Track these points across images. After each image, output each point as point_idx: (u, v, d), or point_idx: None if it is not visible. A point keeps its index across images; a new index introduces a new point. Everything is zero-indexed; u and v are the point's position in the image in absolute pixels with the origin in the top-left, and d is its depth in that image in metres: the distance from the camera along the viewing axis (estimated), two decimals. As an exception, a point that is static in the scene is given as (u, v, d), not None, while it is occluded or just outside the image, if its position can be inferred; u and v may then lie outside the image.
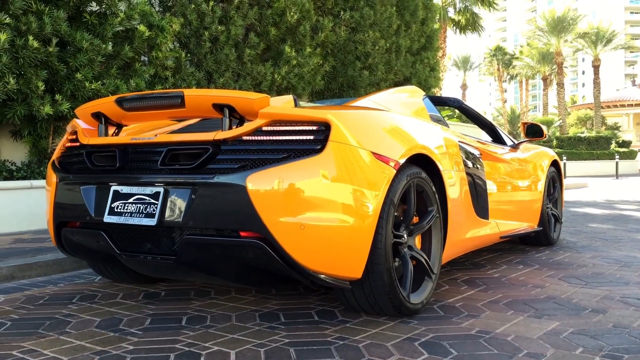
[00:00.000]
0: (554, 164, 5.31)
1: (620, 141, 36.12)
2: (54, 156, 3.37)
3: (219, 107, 2.71)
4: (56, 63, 6.26)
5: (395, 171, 2.76)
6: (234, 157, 2.63)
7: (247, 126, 2.65)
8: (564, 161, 23.47)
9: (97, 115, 3.07)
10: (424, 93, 4.03)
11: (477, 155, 3.86)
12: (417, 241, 3.12)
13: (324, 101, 4.76)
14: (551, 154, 5.30)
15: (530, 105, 78.36)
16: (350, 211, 2.58)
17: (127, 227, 2.83)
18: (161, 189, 2.73)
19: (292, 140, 2.60)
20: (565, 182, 17.04)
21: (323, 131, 2.61)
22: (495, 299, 3.27)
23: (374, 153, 2.69)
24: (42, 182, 6.25)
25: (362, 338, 2.58)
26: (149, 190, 2.77)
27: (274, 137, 2.61)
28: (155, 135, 2.83)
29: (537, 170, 4.87)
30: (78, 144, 3.16)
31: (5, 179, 6.30)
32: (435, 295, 3.35)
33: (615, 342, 2.50)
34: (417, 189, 3.00)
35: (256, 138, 2.63)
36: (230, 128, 2.70)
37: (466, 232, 3.61)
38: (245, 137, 2.64)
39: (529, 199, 4.69)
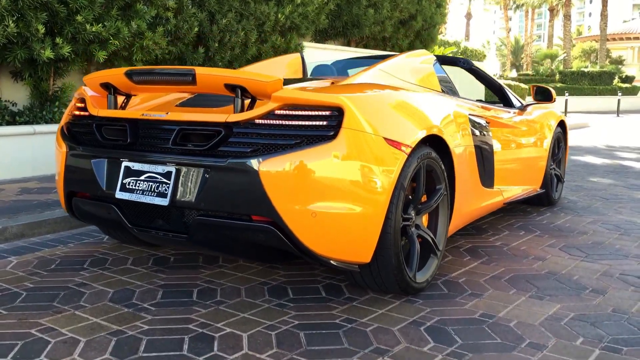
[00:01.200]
0: (561, 124, 5.30)
1: (624, 76, 35.77)
2: (62, 122, 3.36)
3: (230, 87, 2.68)
4: (56, 5, 6.11)
5: (406, 155, 2.76)
6: (246, 141, 2.62)
7: (260, 109, 2.63)
8: (566, 97, 23.29)
9: (106, 86, 3.04)
10: (435, 57, 3.98)
11: (486, 125, 3.85)
12: (424, 219, 3.16)
13: (337, 62, 4.69)
14: (558, 114, 5.27)
15: (534, 35, 76.97)
16: (361, 199, 2.61)
17: (139, 204, 2.85)
18: (173, 169, 2.74)
19: (305, 125, 2.59)
20: (567, 122, 17.00)
21: (336, 116, 2.60)
22: (497, 274, 3.34)
23: (386, 139, 2.68)
24: (45, 128, 6.22)
25: (369, 321, 2.66)
26: (161, 169, 2.78)
27: (286, 122, 2.60)
28: (167, 113, 2.81)
29: (543, 133, 4.86)
30: (87, 113, 3.14)
31: (8, 123, 6.27)
32: (439, 267, 3.42)
33: (615, 332, 2.58)
34: (426, 168, 3.02)
35: (268, 122, 2.62)
36: (242, 109, 2.68)
37: (472, 203, 3.65)
38: (257, 121, 2.63)
39: (533, 163, 4.71)
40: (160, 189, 2.77)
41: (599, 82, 32.24)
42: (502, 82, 4.77)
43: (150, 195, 2.78)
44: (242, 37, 8.35)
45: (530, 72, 38.84)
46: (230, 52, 8.29)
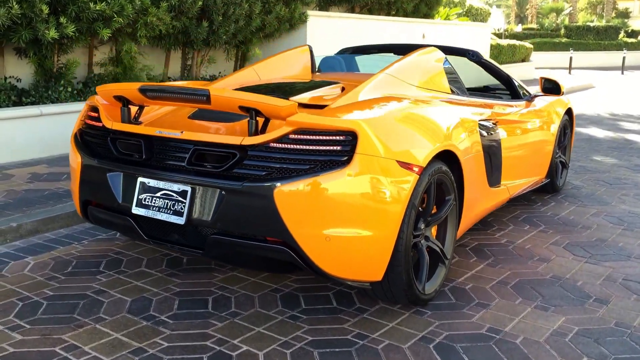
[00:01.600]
0: (568, 111, 5.31)
1: (630, 31, 35.32)
2: (76, 128, 3.39)
3: (244, 109, 2.71)
4: (59, -16, 6.04)
5: (418, 176, 2.80)
6: (260, 164, 2.67)
7: (275, 133, 2.67)
8: (571, 53, 23.09)
9: (119, 97, 3.06)
10: (444, 56, 3.97)
11: (494, 126, 3.87)
12: (433, 230, 3.23)
13: (344, 55, 4.66)
14: (566, 101, 5.28)
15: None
16: (374, 223, 2.67)
17: (155, 220, 2.92)
18: (188, 188, 2.79)
19: (319, 150, 2.63)
20: (571, 82, 16.89)
21: (350, 141, 2.63)
22: (503, 279, 3.43)
23: (399, 162, 2.72)
24: (51, 109, 6.23)
25: (379, 336, 2.76)
26: (176, 187, 2.83)
27: (301, 146, 2.64)
28: (182, 132, 2.85)
29: (550, 123, 4.88)
30: (100, 124, 3.17)
31: (14, 103, 6.28)
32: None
33: (617, 350, 2.68)
34: (437, 182, 3.06)
35: (283, 146, 2.65)
36: (256, 130, 2.72)
37: (479, 206, 3.71)
38: (272, 144, 2.67)
39: (540, 155, 4.75)
40: (176, 207, 2.82)
41: (605, 37, 31.89)
42: (509, 72, 4.73)
43: (167, 213, 2.85)
44: (246, 9, 8.25)
45: (535, 26, 38.32)
46: (235, 24, 8.21)
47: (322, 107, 3.11)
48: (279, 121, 2.73)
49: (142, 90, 2.90)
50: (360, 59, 4.70)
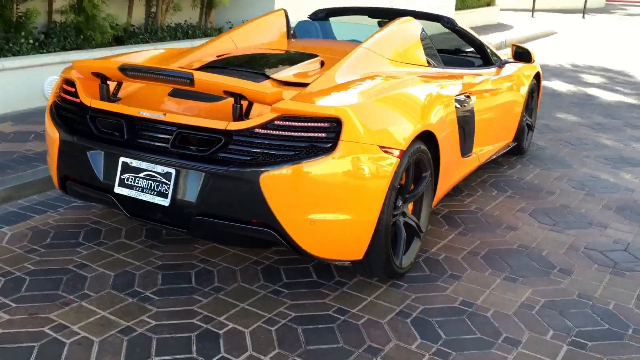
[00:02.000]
0: (536, 75, 5.41)
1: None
2: (50, 101, 3.35)
3: (229, 93, 2.72)
4: None
5: (399, 159, 2.88)
6: (245, 149, 2.70)
7: (260, 118, 2.69)
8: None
9: (97, 74, 3.03)
10: (421, 26, 3.99)
11: (468, 98, 3.95)
12: (409, 205, 3.34)
13: (318, 19, 4.63)
14: (534, 64, 5.37)
15: None
16: (356, 207, 2.75)
17: (138, 199, 2.94)
18: (172, 170, 2.82)
19: (304, 136, 2.67)
20: (534, 28, 16.98)
21: (334, 128, 2.68)
22: (474, 249, 3.59)
23: (381, 147, 2.79)
24: (13, 63, 6.04)
25: (359, 312, 2.89)
26: (160, 169, 2.85)
27: (285, 133, 2.68)
28: (165, 114, 2.84)
29: (519, 88, 4.98)
30: (78, 100, 3.14)
31: (-26, 57, 6.06)
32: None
33: (580, 322, 2.87)
34: (415, 161, 3.15)
35: (268, 132, 2.69)
36: (240, 116, 2.73)
37: (452, 177, 3.82)
38: (257, 130, 2.70)
39: (508, 120, 4.86)
40: (160, 188, 2.85)
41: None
42: (482, 39, 4.78)
43: (150, 194, 2.87)
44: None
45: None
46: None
47: (303, 85, 3.14)
48: (264, 105, 2.75)
49: (123, 70, 2.87)
50: (335, 25, 4.68)
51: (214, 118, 2.82)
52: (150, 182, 2.88)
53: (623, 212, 4.26)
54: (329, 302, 2.98)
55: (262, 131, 2.70)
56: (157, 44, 7.51)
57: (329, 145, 2.67)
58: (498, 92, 4.58)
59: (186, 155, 2.80)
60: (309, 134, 2.68)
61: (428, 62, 3.86)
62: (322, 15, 5.00)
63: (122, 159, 2.94)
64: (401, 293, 3.08)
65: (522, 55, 4.89)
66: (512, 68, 4.95)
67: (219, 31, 8.75)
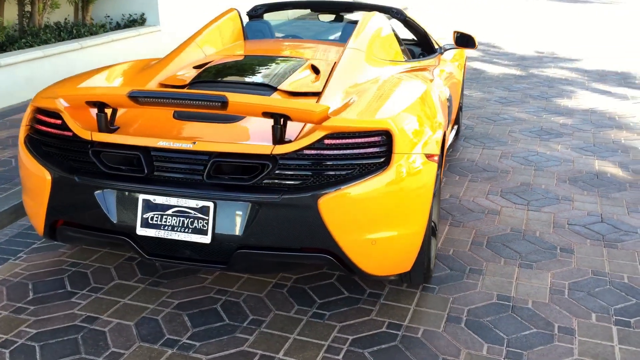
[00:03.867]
0: (465, 59, 5.59)
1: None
2: (22, 135, 2.90)
3: (269, 114, 2.50)
4: None
5: (437, 164, 2.83)
6: (294, 173, 2.52)
7: (307, 139, 2.51)
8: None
9: (94, 102, 2.65)
10: (388, 20, 3.94)
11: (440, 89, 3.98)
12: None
13: (261, 19, 4.39)
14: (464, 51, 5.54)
15: None
16: (412, 219, 2.67)
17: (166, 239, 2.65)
18: (210, 204, 2.56)
19: (355, 153, 2.54)
20: (383, 0, 17.51)
21: (385, 141, 2.57)
22: (475, 240, 3.65)
23: (426, 154, 2.72)
24: None
25: (412, 323, 2.83)
26: (194, 203, 2.57)
27: (336, 151, 2.53)
28: (194, 143, 2.56)
29: (459, 70, 5.11)
30: (70, 133, 2.73)
31: None
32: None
33: (612, 301, 3.03)
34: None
35: (318, 152, 2.52)
36: (282, 137, 2.53)
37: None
38: (305, 151, 2.52)
39: (454, 104, 4.98)
40: (196, 224, 2.58)
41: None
42: (425, 27, 4.83)
43: (184, 232, 2.59)
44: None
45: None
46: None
47: (312, 94, 2.99)
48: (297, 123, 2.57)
49: (134, 97, 2.53)
50: (283, 23, 4.48)
51: (235, 140, 2.59)
52: (182, 219, 2.59)
53: (576, 183, 4.55)
54: (377, 317, 2.89)
55: (311, 152, 2.52)
56: (44, 47, 6.77)
57: (382, 159, 2.56)
58: (450, 79, 4.66)
59: (226, 186, 2.55)
60: (360, 151, 2.55)
61: (404, 56, 3.84)
62: (262, 12, 4.77)
63: (142, 197, 2.62)
64: (438, 297, 3.06)
65: (465, 40, 5.00)
66: (450, 54, 5.06)
67: (102, 28, 8.08)
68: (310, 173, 2.52)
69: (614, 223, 3.89)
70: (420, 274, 2.95)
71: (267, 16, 4.36)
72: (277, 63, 3.36)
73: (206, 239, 2.57)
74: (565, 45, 10.97)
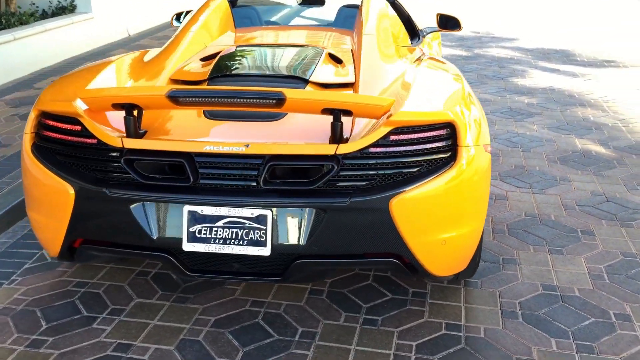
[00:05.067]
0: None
1: None
2: (29, 145, 2.54)
3: (329, 110, 2.28)
4: None
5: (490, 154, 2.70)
6: (359, 173, 2.31)
7: (371, 136, 2.31)
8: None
9: (121, 104, 2.34)
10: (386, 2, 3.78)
11: None
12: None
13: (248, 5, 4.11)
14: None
15: None
16: (477, 215, 2.54)
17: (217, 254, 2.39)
18: (268, 212, 2.31)
19: (422, 149, 2.36)
20: None
21: (448, 134, 2.41)
22: (494, 228, 3.57)
23: (483, 145, 2.58)
24: None
25: (471, 323, 2.71)
26: (248, 212, 2.32)
27: (403, 148, 2.34)
28: (247, 145, 2.30)
29: (440, 54, 5.02)
30: (94, 140, 2.40)
31: None
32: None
33: (651, 282, 3.04)
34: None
35: (383, 150, 2.32)
36: (341, 135, 2.31)
37: None
38: (371, 150, 2.32)
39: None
40: (252, 236, 2.33)
41: None
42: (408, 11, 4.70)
43: (239, 245, 2.34)
44: None
45: None
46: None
47: (344, 86, 2.80)
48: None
49: (173, 97, 2.24)
50: (269, 9, 4.20)
51: (287, 139, 2.37)
52: (235, 230, 2.33)
53: (567, 163, 4.58)
54: (431, 319, 2.74)
55: (377, 150, 2.32)
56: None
57: (449, 154, 2.40)
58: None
59: (285, 192, 2.31)
60: (426, 146, 2.37)
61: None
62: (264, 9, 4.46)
63: (187, 208, 2.33)
64: (484, 291, 2.95)
65: (450, 22, 4.88)
66: (429, 37, 4.95)
67: (32, 16, 7.42)
68: (376, 172, 2.32)
69: (620, 202, 3.92)
70: (472, 269, 2.83)
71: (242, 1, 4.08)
72: (294, 53, 3.12)
73: (265, 251, 2.33)
74: (499, 25, 11.18)
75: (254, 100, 2.22)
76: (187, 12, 4.59)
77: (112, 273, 3.08)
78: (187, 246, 2.35)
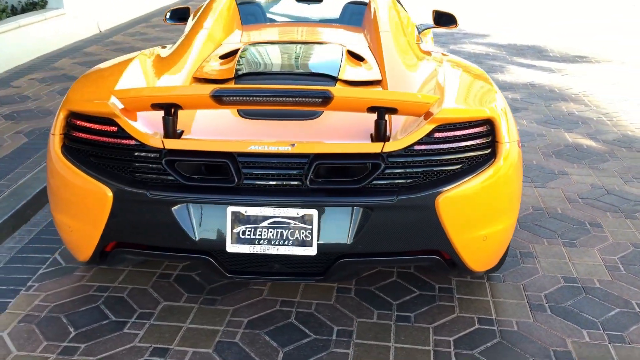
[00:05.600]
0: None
1: None
2: (58, 146, 2.46)
3: (373, 109, 2.28)
4: None
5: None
6: (405, 171, 2.32)
7: (416, 134, 2.31)
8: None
9: (161, 104, 2.29)
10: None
11: None
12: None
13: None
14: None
15: None
16: (514, 209, 2.57)
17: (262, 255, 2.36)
18: (313, 211, 2.30)
19: (463, 146, 2.38)
20: None
21: (488, 130, 2.44)
22: (506, 221, 3.63)
23: (516, 141, 2.62)
24: None
25: (502, 316, 2.75)
26: (294, 212, 2.30)
27: (445, 145, 2.35)
28: (293, 145, 2.27)
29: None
30: (131, 141, 2.34)
31: None
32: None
33: (664, 272, 3.14)
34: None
35: (428, 147, 2.33)
36: (385, 133, 2.31)
37: None
38: (416, 147, 2.32)
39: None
40: (297, 235, 2.31)
41: None
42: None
43: (285, 245, 2.32)
44: None
45: None
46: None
47: (372, 83, 2.79)
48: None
49: (217, 96, 2.20)
50: (271, 5, 4.15)
51: (331, 138, 2.35)
52: (280, 231, 2.31)
53: (562, 157, 4.68)
54: (463, 314, 2.77)
55: (421, 147, 2.33)
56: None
57: (489, 150, 2.43)
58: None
59: (331, 191, 2.30)
60: (468, 143, 2.39)
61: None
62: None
63: (231, 209, 2.30)
64: (509, 285, 3.00)
65: (445, 19, 4.91)
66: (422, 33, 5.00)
67: (4, 12, 7.17)
68: (420, 170, 2.33)
69: (620, 194, 4.03)
70: (501, 263, 2.87)
71: None
72: (315, 51, 3.10)
73: (311, 251, 2.31)
74: (469, 21, 11.33)
75: (301, 99, 2.20)
76: (181, 9, 4.51)
77: (133, 276, 3.02)
78: (231, 248, 2.31)
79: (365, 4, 3.93)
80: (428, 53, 3.32)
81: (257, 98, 2.19)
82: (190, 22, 3.79)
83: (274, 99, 2.19)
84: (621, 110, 5.88)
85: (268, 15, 4.03)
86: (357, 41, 3.39)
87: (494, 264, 2.65)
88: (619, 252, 3.31)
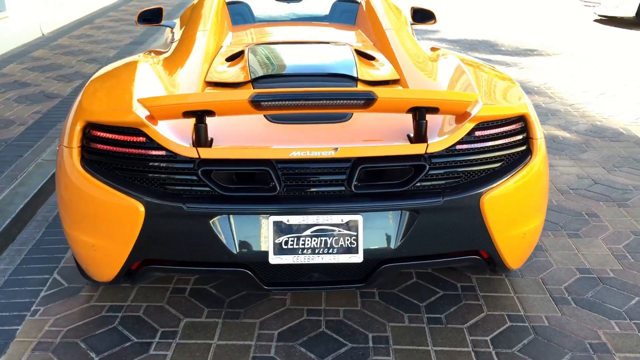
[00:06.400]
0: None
1: None
2: (77, 160, 2.29)
3: (414, 109, 2.22)
4: None
5: None
6: (448, 171, 2.28)
7: (457, 133, 2.28)
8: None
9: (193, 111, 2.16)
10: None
11: None
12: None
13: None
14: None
15: None
16: (545, 206, 2.58)
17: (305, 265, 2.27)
18: (358, 217, 2.22)
19: (501, 144, 2.36)
20: None
21: (522, 127, 2.43)
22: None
23: (543, 137, 2.62)
24: None
25: (532, 312, 2.75)
26: (338, 219, 2.22)
27: (484, 144, 2.33)
28: (336, 149, 2.19)
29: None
30: (161, 152, 2.20)
31: None
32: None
33: (669, 258, 3.23)
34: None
35: (469, 147, 2.30)
36: (425, 134, 2.25)
37: None
38: (458, 147, 2.28)
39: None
40: (342, 242, 2.23)
41: None
42: None
43: (330, 253, 2.23)
44: None
45: None
46: None
47: (391, 82, 2.73)
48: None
49: (256, 102, 2.08)
50: (259, 4, 4.03)
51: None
52: (324, 239, 2.23)
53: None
54: (492, 312, 2.76)
55: (463, 147, 2.30)
56: None
57: (524, 147, 2.42)
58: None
59: (376, 195, 2.23)
60: (505, 140, 2.38)
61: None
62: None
63: (272, 219, 2.20)
64: (527, 279, 3.01)
65: (420, 15, 4.87)
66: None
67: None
68: (463, 170, 2.30)
69: (607, 183, 4.13)
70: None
71: None
72: (324, 51, 3.01)
73: (357, 258, 2.23)
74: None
75: (344, 102, 2.11)
76: (154, 10, 4.31)
77: (144, 293, 2.85)
78: (274, 259, 2.21)
79: (355, 2, 3.87)
80: (434, 49, 3.29)
81: (299, 102, 2.09)
82: (178, 23, 3.62)
83: (317, 102, 2.10)
84: (584, 101, 6.06)
85: (255, 14, 3.91)
86: (360, 40, 3.32)
87: (526, 259, 2.65)
88: (622, 240, 3.39)
